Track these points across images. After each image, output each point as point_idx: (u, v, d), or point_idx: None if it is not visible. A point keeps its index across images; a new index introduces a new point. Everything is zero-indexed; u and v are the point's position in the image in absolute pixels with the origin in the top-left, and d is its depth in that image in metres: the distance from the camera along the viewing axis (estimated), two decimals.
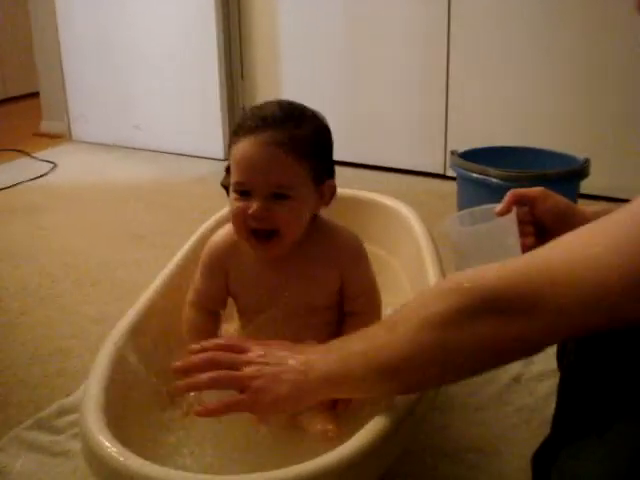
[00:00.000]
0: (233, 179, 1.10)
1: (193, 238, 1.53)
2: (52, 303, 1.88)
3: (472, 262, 1.22)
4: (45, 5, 3.48)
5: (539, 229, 1.23)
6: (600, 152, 2.24)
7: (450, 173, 2.84)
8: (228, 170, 1.14)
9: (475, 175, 1.92)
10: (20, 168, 3.15)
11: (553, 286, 0.80)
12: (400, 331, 0.89)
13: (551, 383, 1.40)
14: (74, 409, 1.38)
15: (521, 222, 1.19)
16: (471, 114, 2.79)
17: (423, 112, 2.89)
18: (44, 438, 1.31)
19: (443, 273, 1.35)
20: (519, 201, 1.21)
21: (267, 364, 0.98)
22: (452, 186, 2.71)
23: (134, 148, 3.39)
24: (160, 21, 3.22)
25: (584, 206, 1.26)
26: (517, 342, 0.85)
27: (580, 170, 1.95)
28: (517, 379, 1.47)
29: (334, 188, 1.17)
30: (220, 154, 3.20)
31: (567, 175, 1.93)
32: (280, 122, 1.08)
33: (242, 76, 3.22)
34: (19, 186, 2.89)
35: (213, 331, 1.21)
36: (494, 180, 1.87)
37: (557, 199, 1.24)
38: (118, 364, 1.12)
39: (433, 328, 0.86)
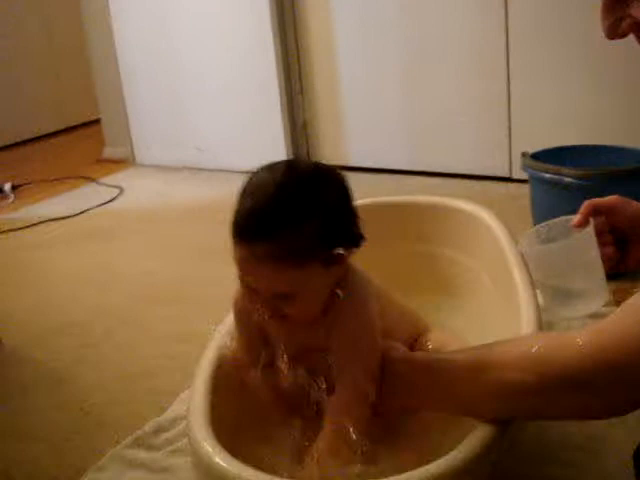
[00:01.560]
0: (237, 271, 1.00)
1: None
2: (135, 324, 1.92)
3: (554, 279, 1.21)
4: (103, 32, 3.55)
5: (618, 237, 1.22)
6: None
7: (516, 175, 2.83)
8: None
9: (549, 175, 1.90)
10: (87, 194, 3.22)
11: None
12: (491, 382, 0.92)
13: None
14: (170, 426, 1.41)
15: (599, 232, 1.18)
16: (534, 115, 2.77)
17: (486, 115, 2.87)
18: (144, 455, 1.34)
19: (529, 274, 1.34)
20: (596, 211, 1.20)
21: None
22: (519, 188, 2.70)
23: (197, 169, 3.43)
24: (218, 42, 3.26)
25: None
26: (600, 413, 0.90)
27: None
28: None
29: (350, 253, 1.02)
30: None
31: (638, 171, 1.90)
32: (275, 228, 0.94)
33: (301, 91, 3.25)
34: (89, 212, 2.96)
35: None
36: (568, 179, 1.85)
37: (634, 206, 1.23)
38: (220, 372, 1.14)
39: (518, 393, 0.90)
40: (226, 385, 1.14)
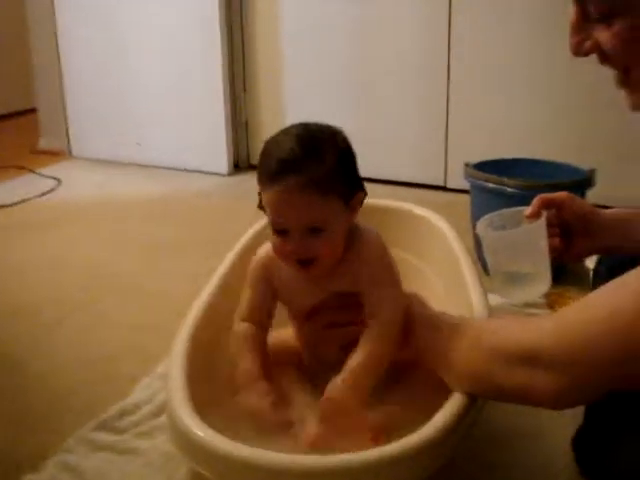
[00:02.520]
0: (269, 219, 1.16)
1: (239, 244, 1.59)
2: (88, 312, 1.94)
3: (505, 263, 1.33)
4: (45, 19, 3.50)
5: (563, 230, 1.34)
6: (601, 162, 2.32)
7: (450, 185, 2.96)
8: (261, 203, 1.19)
9: (491, 185, 2.01)
10: (24, 185, 3.18)
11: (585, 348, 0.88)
12: (467, 342, 1.05)
13: None
14: (133, 410, 1.45)
15: (548, 224, 1.30)
16: (471, 126, 2.92)
17: (423, 125, 3.00)
18: (109, 438, 1.37)
19: (479, 277, 1.44)
20: (547, 205, 1.32)
21: None
22: (452, 197, 2.83)
23: (137, 164, 3.44)
24: (162, 36, 3.28)
25: (602, 210, 1.37)
26: (547, 394, 0.94)
27: (588, 179, 2.05)
28: None
29: (363, 196, 1.20)
30: (224, 169, 3.28)
31: (576, 184, 2.02)
32: (300, 163, 1.10)
33: (245, 89, 3.30)
34: (28, 202, 2.93)
35: (263, 341, 1.26)
36: (510, 190, 1.96)
37: (582, 202, 1.36)
38: (195, 350, 1.21)
39: (482, 354, 1.01)
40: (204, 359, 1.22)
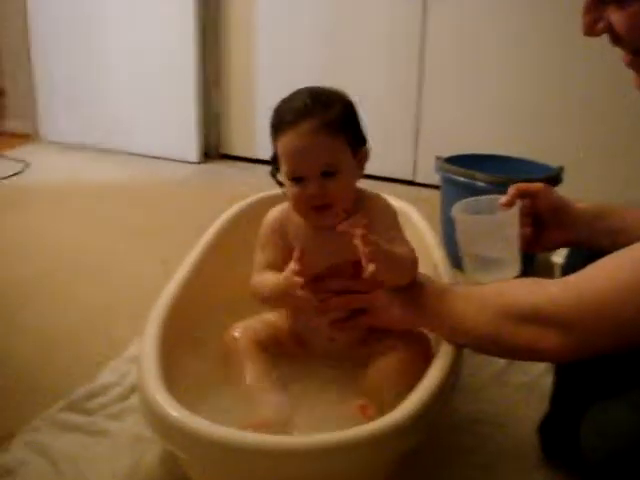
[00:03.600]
0: (285, 170, 1.22)
1: (211, 231, 1.59)
2: (54, 294, 1.93)
3: (476, 247, 1.35)
4: None
5: (536, 220, 1.36)
6: (569, 160, 2.36)
7: (419, 179, 2.98)
8: (274, 160, 1.26)
9: (462, 179, 2.03)
10: None
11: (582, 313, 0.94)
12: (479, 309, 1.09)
13: (542, 364, 1.54)
14: (102, 392, 1.45)
15: (521, 214, 1.31)
16: (442, 121, 2.94)
17: (393, 119, 3.01)
18: (78, 419, 1.37)
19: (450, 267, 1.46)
20: (522, 194, 1.33)
21: None
22: (421, 192, 2.85)
23: (106, 150, 3.42)
24: (137, 24, 3.25)
25: (575, 203, 1.38)
26: (553, 350, 0.99)
27: (556, 177, 2.08)
28: (512, 361, 1.58)
29: (367, 153, 1.29)
30: (194, 157, 3.27)
31: (546, 181, 2.02)
32: (312, 110, 1.20)
33: (217, 83, 3.29)
34: None
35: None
36: (480, 184, 1.99)
37: (557, 195, 1.37)
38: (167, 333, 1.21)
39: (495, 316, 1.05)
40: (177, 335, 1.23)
